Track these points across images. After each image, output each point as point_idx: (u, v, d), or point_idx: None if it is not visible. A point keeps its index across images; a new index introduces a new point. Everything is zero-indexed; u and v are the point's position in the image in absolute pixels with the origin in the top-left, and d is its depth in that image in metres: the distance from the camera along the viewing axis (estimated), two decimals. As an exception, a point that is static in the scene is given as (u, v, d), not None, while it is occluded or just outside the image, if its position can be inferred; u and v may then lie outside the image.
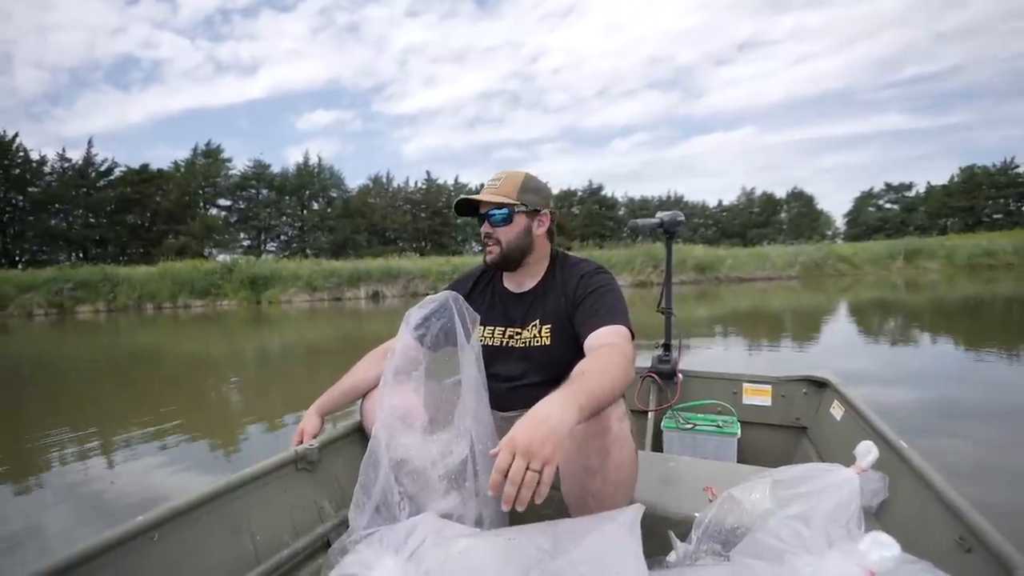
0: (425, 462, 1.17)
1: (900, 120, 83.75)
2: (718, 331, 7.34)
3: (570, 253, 1.40)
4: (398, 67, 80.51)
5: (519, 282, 1.36)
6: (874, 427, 1.31)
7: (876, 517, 1.10)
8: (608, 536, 0.84)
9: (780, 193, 45.95)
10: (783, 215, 45.21)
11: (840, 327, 7.94)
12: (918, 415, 3.16)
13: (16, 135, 29.05)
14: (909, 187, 44.70)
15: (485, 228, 1.30)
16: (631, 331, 1.15)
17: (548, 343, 1.28)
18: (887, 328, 7.42)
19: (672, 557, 1.05)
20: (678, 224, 1.98)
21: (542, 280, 1.34)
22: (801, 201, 45.16)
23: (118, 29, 62.47)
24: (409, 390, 1.23)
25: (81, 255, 28.91)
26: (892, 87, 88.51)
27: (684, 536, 1.06)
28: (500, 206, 1.27)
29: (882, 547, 0.72)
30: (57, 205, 30.02)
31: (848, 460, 1.08)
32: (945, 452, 2.49)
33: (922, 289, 13.95)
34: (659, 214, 1.99)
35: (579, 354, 1.11)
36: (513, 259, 1.31)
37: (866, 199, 46.63)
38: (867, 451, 1.06)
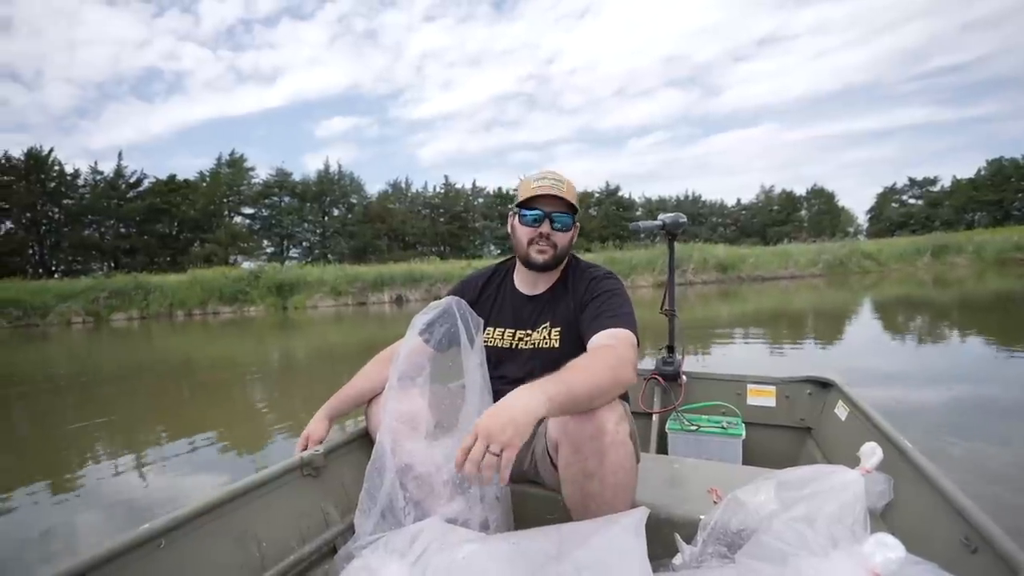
0: (430, 467, 1.18)
1: (924, 113, 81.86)
2: (738, 330, 7.31)
3: (582, 258, 1.40)
4: (415, 72, 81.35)
5: (533, 284, 1.36)
6: (879, 428, 1.32)
7: (881, 518, 1.09)
8: (613, 539, 0.85)
9: (800, 190, 45.41)
10: (803, 213, 44.54)
11: (865, 325, 7.85)
12: (951, 415, 3.09)
13: (52, 150, 30.30)
14: (934, 182, 43.61)
15: (543, 228, 1.27)
16: (636, 335, 1.15)
17: (557, 346, 1.28)
18: (914, 325, 7.32)
19: (677, 560, 1.04)
20: (680, 226, 1.99)
21: (555, 284, 1.35)
22: (822, 198, 44.44)
23: (143, 42, 64.26)
24: (414, 395, 1.24)
25: (113, 264, 29.83)
26: (916, 79, 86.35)
27: (689, 538, 1.06)
28: (566, 211, 1.28)
29: (886, 548, 0.72)
30: (90, 216, 31.09)
31: (853, 461, 1.08)
32: (981, 455, 2.45)
33: (951, 285, 13.66)
34: (661, 216, 2.00)
35: None
36: (559, 263, 1.33)
37: (889, 195, 45.65)
38: (872, 452, 1.06)
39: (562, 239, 1.29)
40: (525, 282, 1.38)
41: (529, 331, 1.32)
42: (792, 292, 14.63)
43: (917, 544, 0.81)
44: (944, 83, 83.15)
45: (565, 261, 1.36)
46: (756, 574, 0.80)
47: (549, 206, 1.27)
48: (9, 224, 29.21)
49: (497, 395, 1.28)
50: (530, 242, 1.29)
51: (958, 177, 42.13)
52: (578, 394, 0.93)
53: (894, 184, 45.76)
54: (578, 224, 1.33)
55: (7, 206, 28.29)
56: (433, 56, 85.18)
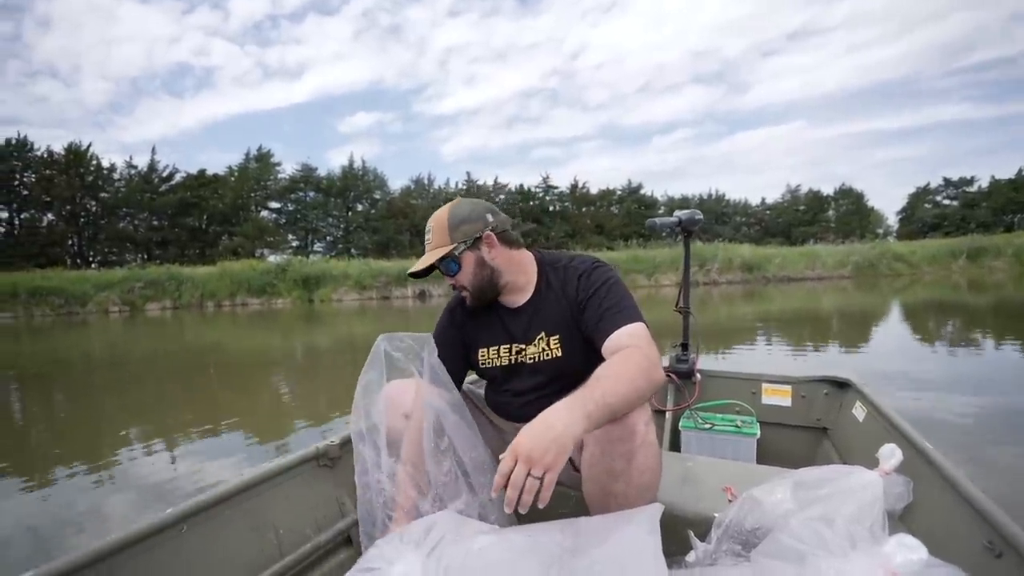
0: (431, 463, 1.18)
1: (962, 110, 78.32)
2: (760, 331, 7.22)
3: (557, 252, 1.33)
4: (438, 67, 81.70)
5: (512, 298, 1.29)
6: (898, 429, 1.30)
7: (900, 521, 1.07)
8: (628, 535, 0.85)
9: (827, 190, 44.23)
10: (831, 213, 43.49)
11: (893, 329, 7.70)
12: (980, 424, 3.06)
13: (90, 145, 31.25)
14: (970, 182, 41.92)
15: (448, 281, 1.27)
16: (647, 325, 1.11)
17: (559, 355, 1.22)
18: (946, 331, 7.13)
19: (691, 557, 1.04)
20: (696, 223, 1.98)
21: (536, 289, 1.28)
22: (850, 198, 43.25)
23: (174, 38, 65.80)
24: (411, 389, 1.24)
25: (146, 256, 30.79)
26: (955, 75, 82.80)
27: (703, 536, 1.05)
28: (442, 260, 1.22)
29: (908, 550, 0.71)
30: (125, 209, 32.03)
31: (870, 462, 1.07)
32: (1010, 464, 2.42)
33: (987, 289, 13.27)
34: (677, 213, 1.99)
35: (593, 359, 1.07)
36: (488, 291, 1.26)
37: (922, 195, 44.15)
38: (891, 454, 1.05)
39: (463, 278, 1.24)
40: (505, 296, 1.30)
41: (524, 345, 1.26)
42: (819, 293, 14.41)
43: (938, 547, 0.79)
44: (985, 78, 79.66)
45: (533, 265, 1.29)
46: (773, 573, 0.79)
47: (432, 259, 1.24)
48: (51, 216, 30.34)
49: (508, 407, 1.32)
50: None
51: (997, 177, 40.66)
52: (615, 407, 0.90)
53: (927, 184, 44.22)
54: (468, 249, 1.22)
55: (49, 199, 29.36)
56: (457, 51, 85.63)
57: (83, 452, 3.34)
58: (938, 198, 43.80)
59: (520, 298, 1.28)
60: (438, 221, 1.24)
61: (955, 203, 42.33)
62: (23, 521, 2.40)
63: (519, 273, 1.27)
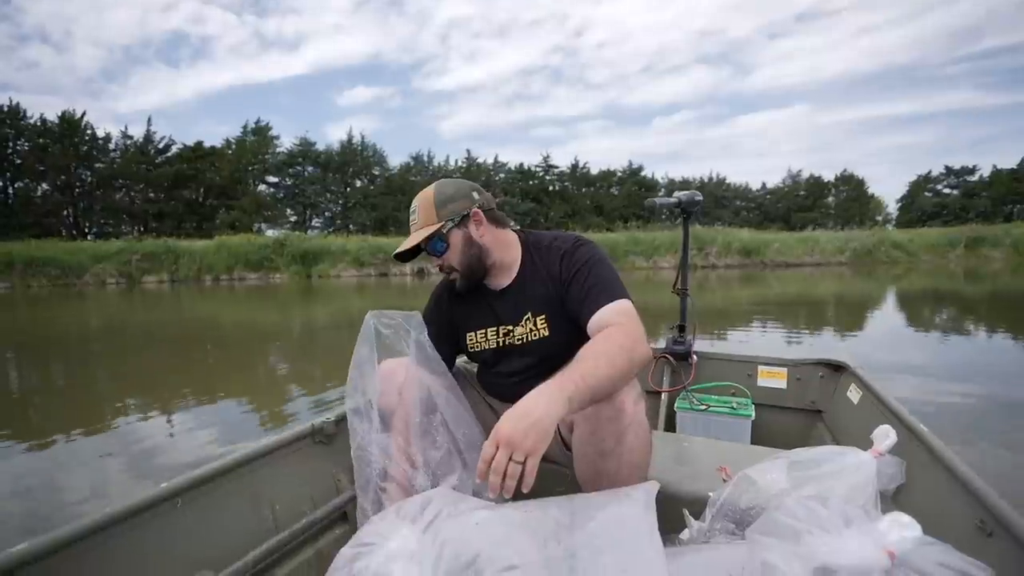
0: (425, 440, 1.18)
1: (968, 97, 77.33)
2: (756, 315, 7.27)
3: (540, 232, 1.31)
4: (439, 42, 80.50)
5: (497, 279, 1.28)
6: (892, 411, 1.29)
7: (892, 501, 1.09)
8: (624, 511, 0.85)
9: (828, 176, 43.99)
10: (830, 199, 43.31)
11: (888, 316, 7.75)
12: (972, 410, 3.08)
13: (84, 113, 30.69)
14: (972, 171, 41.60)
15: (435, 262, 1.26)
16: (631, 300, 1.10)
17: (547, 334, 1.22)
18: (940, 319, 7.19)
19: (685, 535, 1.04)
20: (695, 204, 1.96)
21: (520, 270, 1.26)
22: (851, 185, 43.01)
23: (169, 5, 64.46)
24: (404, 368, 1.24)
25: (142, 228, 30.57)
26: (963, 61, 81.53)
27: (697, 515, 1.06)
28: (430, 239, 1.20)
29: (902, 527, 0.71)
30: (120, 180, 31.66)
31: (864, 444, 1.07)
32: (1001, 449, 2.43)
33: (983, 279, 13.32)
34: (676, 193, 1.97)
35: (582, 337, 1.05)
36: (477, 271, 1.24)
37: (922, 183, 43.91)
38: (885, 435, 1.05)
39: (451, 258, 1.22)
40: (490, 278, 1.28)
41: (511, 327, 1.26)
42: (816, 279, 14.45)
43: (930, 526, 0.80)
44: (993, 65, 78.83)
45: (518, 245, 1.28)
46: (767, 549, 0.79)
47: (419, 239, 1.21)
48: (45, 186, 29.99)
49: (499, 388, 1.33)
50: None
51: (998, 167, 40.43)
52: (597, 388, 0.89)
53: (929, 172, 43.95)
54: (455, 227, 1.20)
55: (43, 168, 28.99)
56: (458, 25, 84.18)
57: (80, 420, 3.36)
58: (939, 187, 43.61)
59: (505, 279, 1.27)
60: (424, 200, 1.22)
61: (956, 192, 42.17)
62: (20, 486, 2.43)
63: (506, 252, 1.26)
